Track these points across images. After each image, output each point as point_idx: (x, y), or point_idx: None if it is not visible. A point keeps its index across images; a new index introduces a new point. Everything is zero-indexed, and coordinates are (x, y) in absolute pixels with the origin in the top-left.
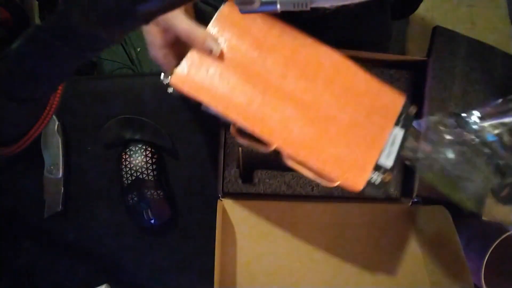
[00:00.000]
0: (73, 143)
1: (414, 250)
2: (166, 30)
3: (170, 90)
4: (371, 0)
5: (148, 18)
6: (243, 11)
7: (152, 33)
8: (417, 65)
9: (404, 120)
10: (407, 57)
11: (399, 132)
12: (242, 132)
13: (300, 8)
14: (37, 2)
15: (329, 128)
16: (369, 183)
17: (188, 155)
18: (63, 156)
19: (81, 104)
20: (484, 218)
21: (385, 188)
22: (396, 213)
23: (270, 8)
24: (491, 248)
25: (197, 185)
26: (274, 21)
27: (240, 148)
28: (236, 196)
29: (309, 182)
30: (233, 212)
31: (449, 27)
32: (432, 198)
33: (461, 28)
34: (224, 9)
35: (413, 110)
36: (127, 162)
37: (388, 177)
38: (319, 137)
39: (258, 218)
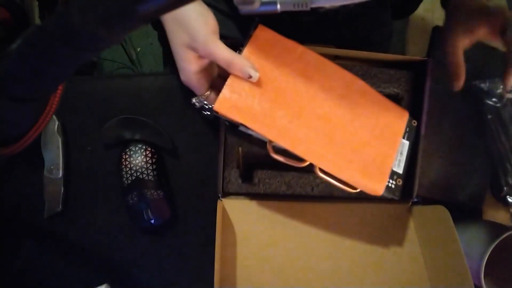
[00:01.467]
0: (73, 143)
1: (414, 250)
2: (203, 56)
3: (205, 113)
4: (371, 0)
5: (148, 18)
6: (243, 11)
7: (187, 59)
8: (417, 65)
9: (408, 133)
10: (407, 57)
11: (405, 143)
12: (277, 149)
13: (300, 8)
14: (37, 2)
15: (354, 144)
16: (386, 188)
17: (188, 155)
18: (63, 156)
19: (81, 104)
20: (484, 218)
21: (398, 190)
22: (396, 213)
23: (270, 8)
24: (491, 248)
25: (197, 185)
26: (299, 46)
27: (240, 148)
28: (236, 196)
29: (309, 182)
30: (233, 212)
31: None
32: (432, 198)
33: None
34: (256, 34)
35: (414, 124)
36: (127, 162)
37: (400, 181)
38: (347, 152)
39: (258, 218)
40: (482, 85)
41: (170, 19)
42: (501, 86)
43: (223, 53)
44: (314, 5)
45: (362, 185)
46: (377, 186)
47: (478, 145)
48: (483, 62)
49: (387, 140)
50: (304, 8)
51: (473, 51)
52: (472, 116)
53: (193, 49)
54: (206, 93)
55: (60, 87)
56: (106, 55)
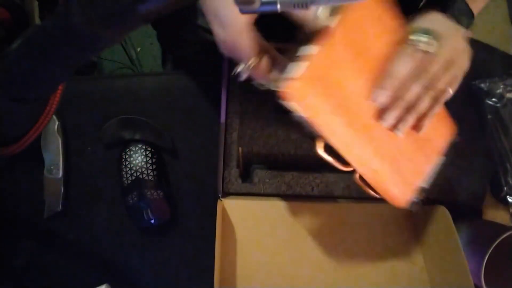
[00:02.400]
0: (73, 143)
1: (414, 250)
2: None
3: (254, 82)
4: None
5: (148, 18)
6: (243, 11)
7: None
8: None
9: (447, 150)
10: None
11: (440, 159)
12: (328, 149)
13: (300, 8)
14: (37, 2)
15: (397, 160)
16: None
17: (188, 155)
18: (63, 156)
19: (81, 104)
20: (484, 218)
21: (418, 203)
22: (396, 213)
23: (270, 8)
24: (491, 248)
25: (197, 185)
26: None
27: (240, 148)
28: (236, 196)
29: (309, 182)
30: (233, 212)
31: None
32: (432, 198)
33: None
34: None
35: (455, 139)
36: (127, 162)
37: (422, 195)
38: (390, 167)
39: (258, 218)
40: (482, 85)
41: None
42: (501, 86)
43: None
44: (314, 5)
45: (389, 196)
46: (404, 199)
47: (478, 145)
48: (483, 62)
49: (426, 155)
50: (304, 8)
51: (473, 51)
52: (472, 116)
53: None
54: (254, 59)
55: (60, 87)
56: (106, 55)
